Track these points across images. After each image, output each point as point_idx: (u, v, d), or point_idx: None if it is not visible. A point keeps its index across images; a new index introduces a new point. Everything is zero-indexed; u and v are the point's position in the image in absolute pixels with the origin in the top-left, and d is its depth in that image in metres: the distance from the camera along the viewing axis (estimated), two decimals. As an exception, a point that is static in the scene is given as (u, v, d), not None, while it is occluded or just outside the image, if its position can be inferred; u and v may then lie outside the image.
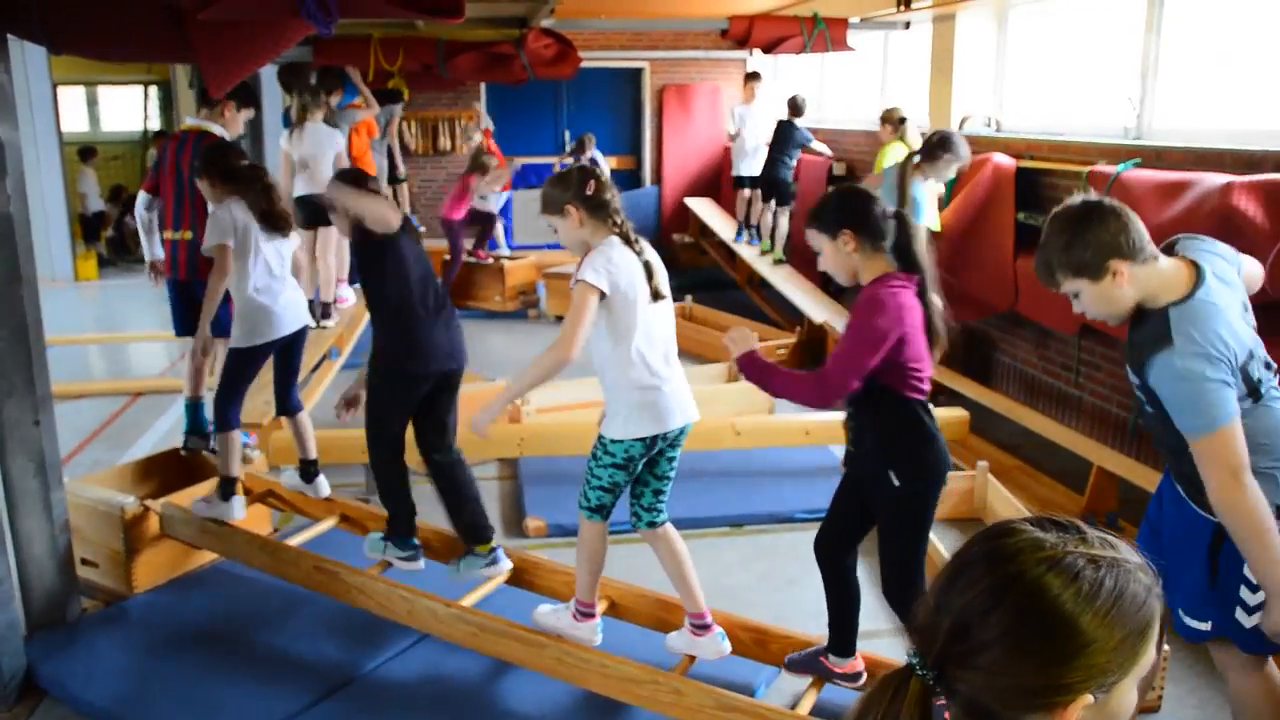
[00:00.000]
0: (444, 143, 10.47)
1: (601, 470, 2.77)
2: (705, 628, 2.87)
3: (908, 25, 7.26)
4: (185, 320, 4.37)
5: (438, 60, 7.55)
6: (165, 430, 5.46)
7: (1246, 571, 2.15)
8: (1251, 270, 2.38)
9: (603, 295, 2.64)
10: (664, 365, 2.76)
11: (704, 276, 9.58)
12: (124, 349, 7.78)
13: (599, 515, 2.82)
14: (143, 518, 3.57)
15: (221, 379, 3.66)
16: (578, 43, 7.81)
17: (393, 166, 8.84)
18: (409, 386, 3.24)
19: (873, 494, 2.64)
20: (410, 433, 3.33)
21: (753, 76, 8.68)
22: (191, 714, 2.89)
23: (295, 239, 3.83)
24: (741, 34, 7.30)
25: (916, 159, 4.88)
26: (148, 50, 3.82)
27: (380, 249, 3.18)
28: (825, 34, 7.17)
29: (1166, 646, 2.90)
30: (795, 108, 7.87)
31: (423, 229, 9.83)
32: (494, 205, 8.93)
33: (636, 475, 2.85)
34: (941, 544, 3.71)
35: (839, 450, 4.10)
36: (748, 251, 8.36)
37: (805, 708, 2.67)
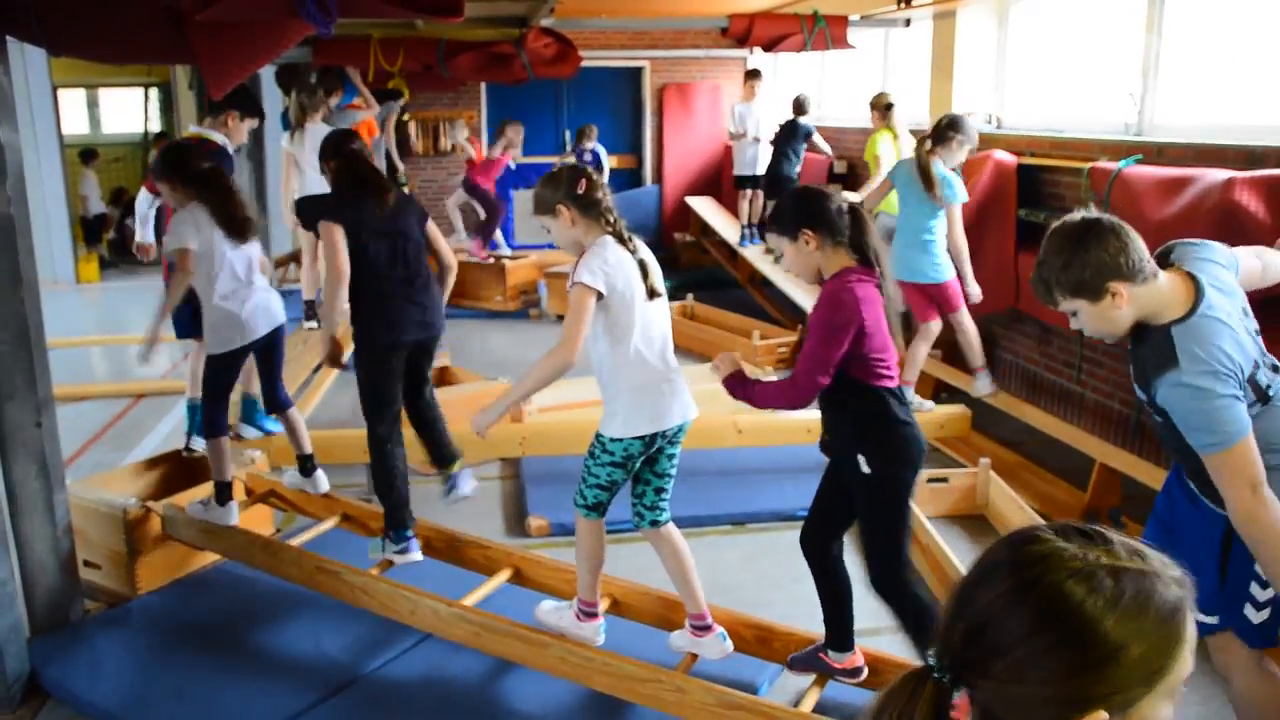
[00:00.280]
0: (445, 143, 10.47)
1: (600, 469, 2.77)
2: (706, 628, 2.87)
3: (908, 23, 7.25)
4: (187, 323, 4.38)
5: (438, 60, 7.55)
6: (167, 432, 5.47)
7: (1257, 568, 2.15)
8: (1250, 264, 2.35)
9: (600, 296, 2.64)
10: (661, 363, 2.77)
11: (705, 275, 9.58)
12: (126, 351, 7.76)
13: (596, 513, 2.82)
14: (145, 519, 3.57)
15: (203, 387, 3.67)
16: (578, 42, 7.81)
17: (391, 168, 8.84)
18: (385, 358, 3.39)
19: (849, 483, 2.67)
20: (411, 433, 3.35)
21: (753, 75, 8.66)
22: (195, 714, 2.90)
23: (257, 245, 3.77)
24: (741, 32, 7.30)
25: (929, 143, 4.87)
26: (147, 52, 3.81)
27: (348, 208, 3.31)
28: (825, 32, 7.16)
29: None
30: (800, 107, 7.91)
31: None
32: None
33: (637, 474, 2.85)
34: (944, 542, 3.70)
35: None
36: (751, 251, 8.36)
37: (808, 705, 2.67)
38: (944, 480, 4.38)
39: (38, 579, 3.26)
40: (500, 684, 3.04)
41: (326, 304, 3.39)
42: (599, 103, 10.62)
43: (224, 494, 3.61)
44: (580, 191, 2.71)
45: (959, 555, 3.65)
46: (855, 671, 2.80)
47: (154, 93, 13.72)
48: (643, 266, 2.76)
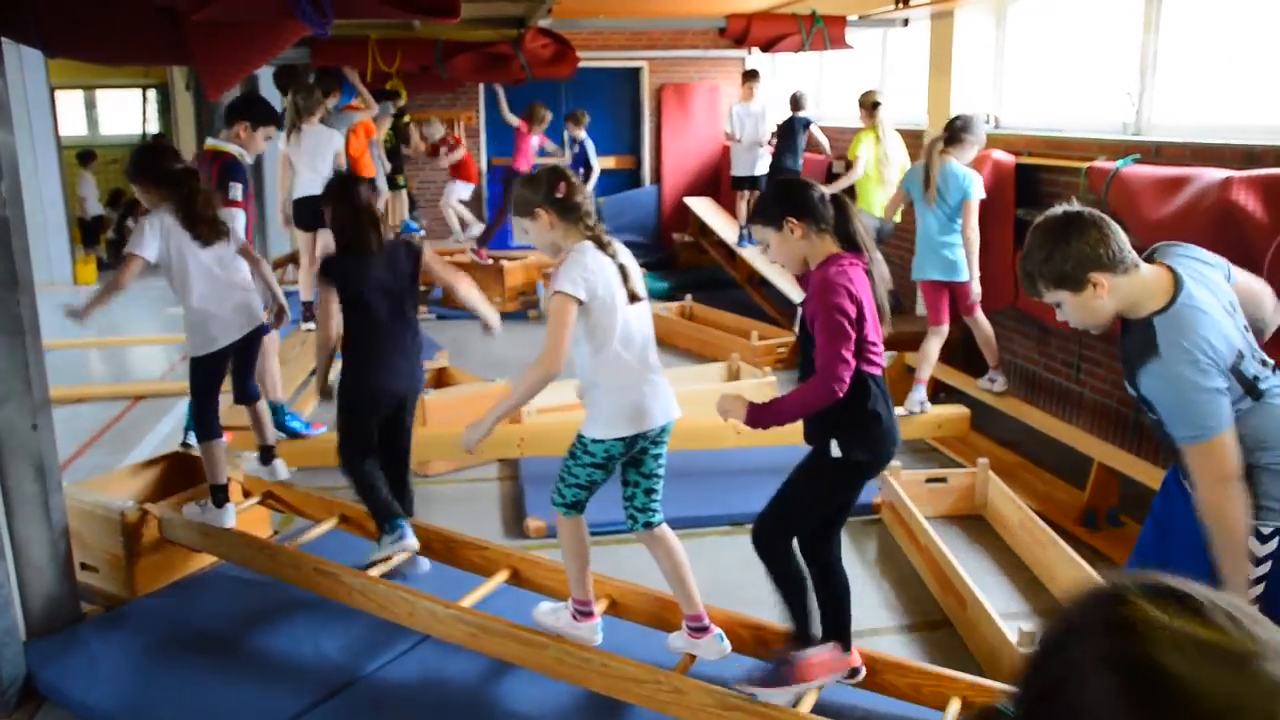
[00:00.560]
0: (417, 144, 10.43)
1: (580, 469, 2.79)
2: (703, 629, 2.87)
3: (906, 23, 7.24)
4: None
5: (436, 61, 7.54)
6: (165, 434, 5.45)
7: (1250, 570, 2.16)
8: (1250, 281, 2.38)
9: (580, 303, 2.65)
10: (643, 365, 2.78)
11: (704, 275, 9.58)
12: (124, 353, 7.77)
13: (575, 511, 2.84)
14: (142, 522, 3.57)
15: (191, 390, 3.67)
16: (576, 42, 7.80)
17: (396, 168, 8.85)
18: (372, 407, 3.46)
19: (810, 456, 2.65)
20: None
21: (751, 75, 8.67)
22: (193, 717, 2.89)
23: (240, 237, 3.77)
24: (739, 32, 7.29)
25: (940, 144, 4.90)
26: (143, 53, 3.80)
27: (328, 266, 3.39)
28: (823, 32, 7.15)
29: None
30: (796, 102, 7.99)
31: (423, 231, 9.87)
32: (461, 195, 9.41)
33: (625, 478, 2.86)
34: (942, 542, 3.70)
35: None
36: (750, 251, 8.36)
37: (806, 706, 2.66)
38: (943, 480, 4.38)
39: (34, 582, 3.25)
40: (498, 685, 3.04)
41: (317, 371, 3.57)
42: (597, 103, 10.59)
43: (221, 496, 3.60)
44: (560, 195, 2.72)
45: (957, 555, 3.65)
46: (853, 672, 2.80)
47: (152, 94, 13.72)
48: (623, 270, 2.76)
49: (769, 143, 8.33)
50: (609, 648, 2.85)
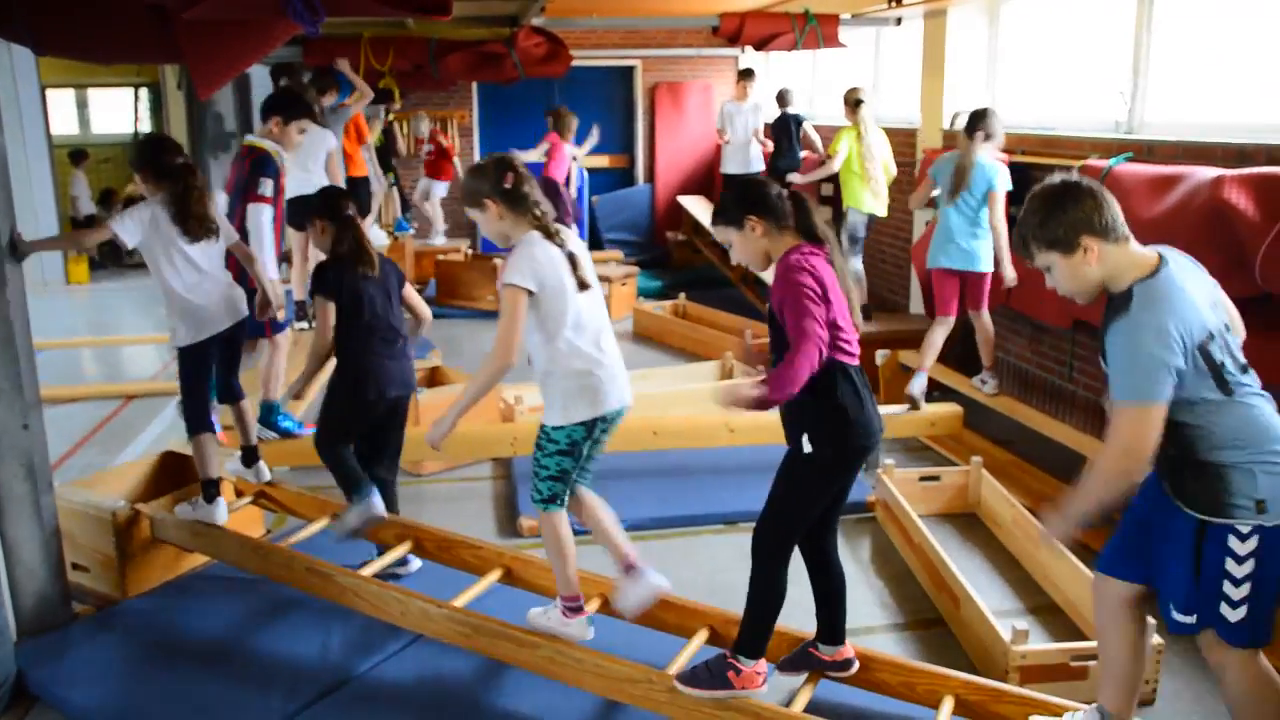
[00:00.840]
0: (403, 143, 10.41)
1: (549, 460, 2.82)
2: (636, 569, 2.92)
3: (899, 21, 7.25)
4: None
5: (429, 60, 7.52)
6: (157, 434, 5.44)
7: (1229, 566, 2.20)
8: (1225, 303, 2.39)
9: (531, 294, 2.68)
10: (597, 350, 2.81)
11: (698, 274, 9.58)
12: (116, 352, 7.74)
13: (554, 505, 2.86)
14: (134, 522, 3.55)
15: (180, 383, 3.65)
16: (569, 41, 7.79)
17: (386, 168, 8.83)
18: (368, 410, 3.47)
19: (786, 460, 2.64)
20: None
21: (745, 75, 8.67)
22: (185, 718, 2.87)
23: (231, 234, 3.79)
24: (732, 31, 7.29)
25: (980, 138, 4.90)
26: (133, 51, 3.79)
27: (325, 275, 3.41)
28: (816, 31, 7.16)
29: (1160, 639, 2.90)
30: (784, 99, 8.05)
31: (414, 229, 9.85)
32: (440, 193, 9.47)
33: None
34: (935, 540, 3.70)
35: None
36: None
37: (800, 705, 2.66)
38: (936, 478, 4.38)
39: (25, 582, 3.24)
40: (491, 685, 3.03)
41: (302, 376, 3.53)
42: (591, 102, 10.58)
43: (211, 491, 3.59)
44: (507, 186, 2.75)
45: (950, 553, 3.66)
46: (845, 664, 2.79)
47: (144, 93, 13.66)
48: (572, 259, 2.79)
49: (764, 140, 8.34)
50: (602, 647, 2.84)
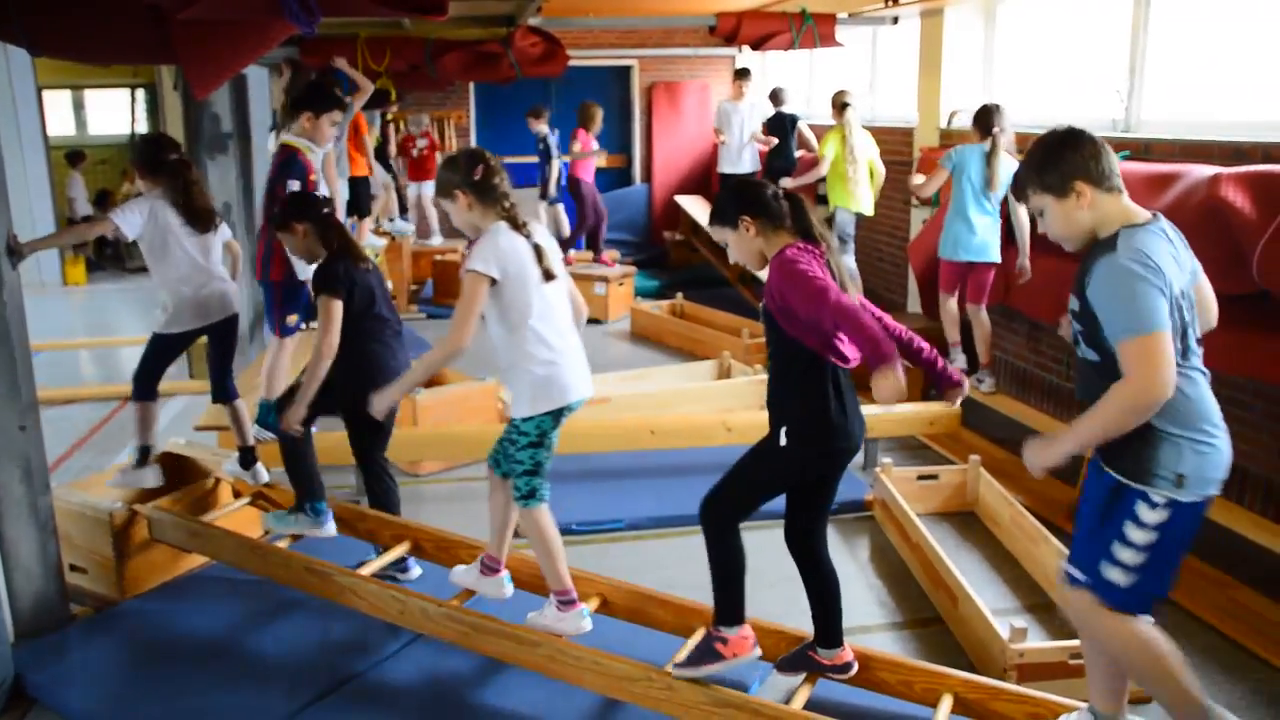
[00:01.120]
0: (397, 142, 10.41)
1: (522, 454, 2.85)
2: (495, 570, 3.06)
3: (896, 20, 7.26)
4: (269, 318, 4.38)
5: (425, 60, 7.51)
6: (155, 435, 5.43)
7: (1126, 528, 2.21)
8: (1205, 290, 2.40)
9: (493, 282, 2.72)
10: (560, 341, 2.85)
11: (695, 274, 9.58)
12: (113, 353, 7.73)
13: (534, 500, 2.89)
14: (131, 523, 3.55)
15: (142, 358, 3.79)
16: (566, 41, 7.78)
17: (385, 168, 8.82)
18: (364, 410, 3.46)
19: (761, 441, 2.64)
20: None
21: (742, 74, 8.67)
22: (182, 719, 2.87)
23: (225, 231, 3.87)
24: (729, 31, 7.29)
25: (1007, 136, 4.99)
26: (129, 52, 3.79)
27: (335, 272, 3.40)
28: (813, 30, 7.16)
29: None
30: (778, 98, 8.09)
31: (411, 227, 9.85)
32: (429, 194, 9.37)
33: None
34: (933, 539, 3.70)
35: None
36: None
37: (799, 703, 2.66)
38: (934, 477, 4.39)
39: (23, 584, 3.23)
40: (491, 684, 3.03)
41: (309, 379, 3.35)
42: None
43: (143, 457, 3.75)
44: (477, 177, 2.80)
45: (948, 552, 3.66)
46: (845, 667, 2.80)
47: (140, 94, 13.64)
48: (538, 250, 2.83)
49: (762, 140, 8.35)
50: (600, 645, 2.85)
